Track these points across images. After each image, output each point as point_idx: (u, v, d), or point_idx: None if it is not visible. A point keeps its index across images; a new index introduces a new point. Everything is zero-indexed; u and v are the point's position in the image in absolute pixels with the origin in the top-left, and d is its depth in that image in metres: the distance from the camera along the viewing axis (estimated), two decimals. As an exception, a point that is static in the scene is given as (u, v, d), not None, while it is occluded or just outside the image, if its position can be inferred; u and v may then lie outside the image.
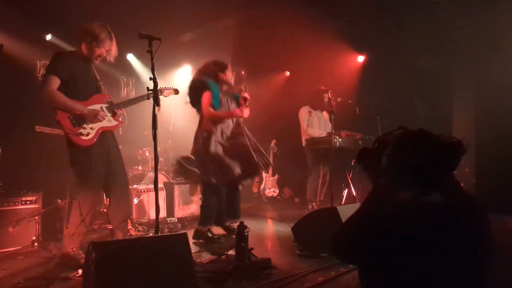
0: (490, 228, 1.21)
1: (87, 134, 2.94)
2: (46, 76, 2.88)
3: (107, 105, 3.11)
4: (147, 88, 2.63)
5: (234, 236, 3.00)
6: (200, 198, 5.07)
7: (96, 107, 3.03)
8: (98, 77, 3.17)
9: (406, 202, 1.23)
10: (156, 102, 2.55)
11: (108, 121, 3.08)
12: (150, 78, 2.57)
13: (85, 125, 2.94)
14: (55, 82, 2.86)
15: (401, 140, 1.30)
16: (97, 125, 3.00)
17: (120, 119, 3.18)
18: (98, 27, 3.00)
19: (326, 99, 5.44)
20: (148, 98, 2.83)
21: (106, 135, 3.09)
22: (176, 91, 3.61)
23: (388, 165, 1.30)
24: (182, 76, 7.23)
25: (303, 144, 5.50)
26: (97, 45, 2.99)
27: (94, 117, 2.96)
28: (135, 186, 4.65)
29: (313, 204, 5.33)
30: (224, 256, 2.98)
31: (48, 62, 3.10)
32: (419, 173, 1.21)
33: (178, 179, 4.89)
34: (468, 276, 1.15)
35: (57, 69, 2.88)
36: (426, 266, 1.12)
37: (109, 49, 3.07)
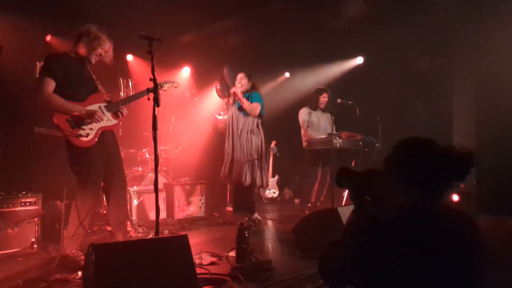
0: (482, 240, 1.19)
1: (87, 135, 2.92)
2: (41, 79, 2.83)
3: (106, 104, 3.09)
4: (147, 88, 2.61)
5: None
6: (200, 199, 5.10)
7: (94, 107, 3.00)
8: (94, 77, 3.15)
9: (403, 209, 1.21)
10: (157, 104, 2.54)
11: (107, 120, 3.05)
12: (150, 79, 2.56)
13: (84, 126, 2.91)
14: (51, 84, 2.82)
15: (411, 143, 1.28)
16: (96, 125, 2.97)
17: (120, 117, 3.16)
18: (99, 28, 3.04)
19: (326, 99, 5.46)
20: (148, 93, 2.79)
21: (105, 134, 3.07)
22: (176, 84, 3.57)
23: (392, 166, 1.28)
24: (182, 77, 7.22)
25: (303, 145, 5.49)
26: (99, 44, 3.01)
27: (92, 117, 2.92)
28: (135, 187, 4.64)
29: (309, 206, 5.33)
30: (224, 258, 2.97)
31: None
32: (426, 177, 1.20)
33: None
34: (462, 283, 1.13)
35: (51, 71, 2.85)
36: (426, 275, 1.11)
37: (107, 50, 3.09)
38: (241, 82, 4.56)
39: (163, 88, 3.42)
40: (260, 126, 4.60)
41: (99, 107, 3.02)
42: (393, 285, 1.13)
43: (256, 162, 4.40)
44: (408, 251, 1.11)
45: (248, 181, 4.33)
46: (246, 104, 4.42)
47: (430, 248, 1.11)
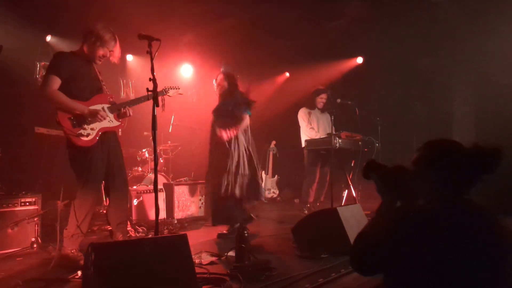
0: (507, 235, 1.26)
1: (87, 135, 2.92)
2: (47, 76, 2.86)
3: (109, 105, 3.09)
4: (147, 89, 2.62)
5: None
6: (200, 199, 5.11)
7: (98, 107, 3.00)
8: (100, 78, 3.15)
9: (436, 206, 1.30)
10: (156, 103, 2.54)
11: (109, 122, 3.06)
12: (150, 79, 2.56)
13: (85, 126, 2.92)
14: (56, 82, 2.84)
15: (440, 145, 1.37)
16: (97, 126, 2.98)
17: (122, 119, 3.16)
18: (103, 28, 3.01)
19: (324, 100, 5.46)
20: (149, 99, 2.81)
21: (107, 135, 3.07)
22: (182, 91, 3.55)
23: (425, 167, 1.35)
24: (182, 76, 7.22)
25: (303, 145, 5.49)
26: (101, 45, 2.99)
27: (95, 117, 2.93)
28: (134, 187, 4.64)
29: (308, 206, 5.32)
30: (224, 258, 2.97)
31: (48, 63, 3.09)
32: (460, 175, 1.29)
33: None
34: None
35: (57, 69, 2.87)
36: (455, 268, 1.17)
37: (113, 50, 3.08)
38: (220, 84, 4.12)
39: (168, 94, 3.40)
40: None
41: (102, 108, 3.03)
42: (421, 277, 1.20)
43: (232, 170, 3.91)
44: (441, 245, 1.18)
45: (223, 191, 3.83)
46: (241, 129, 3.99)
47: (462, 242, 1.18)
